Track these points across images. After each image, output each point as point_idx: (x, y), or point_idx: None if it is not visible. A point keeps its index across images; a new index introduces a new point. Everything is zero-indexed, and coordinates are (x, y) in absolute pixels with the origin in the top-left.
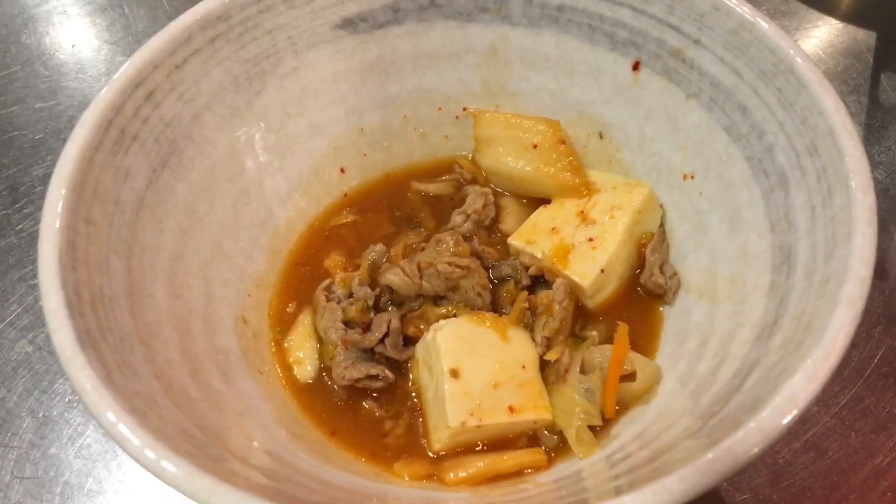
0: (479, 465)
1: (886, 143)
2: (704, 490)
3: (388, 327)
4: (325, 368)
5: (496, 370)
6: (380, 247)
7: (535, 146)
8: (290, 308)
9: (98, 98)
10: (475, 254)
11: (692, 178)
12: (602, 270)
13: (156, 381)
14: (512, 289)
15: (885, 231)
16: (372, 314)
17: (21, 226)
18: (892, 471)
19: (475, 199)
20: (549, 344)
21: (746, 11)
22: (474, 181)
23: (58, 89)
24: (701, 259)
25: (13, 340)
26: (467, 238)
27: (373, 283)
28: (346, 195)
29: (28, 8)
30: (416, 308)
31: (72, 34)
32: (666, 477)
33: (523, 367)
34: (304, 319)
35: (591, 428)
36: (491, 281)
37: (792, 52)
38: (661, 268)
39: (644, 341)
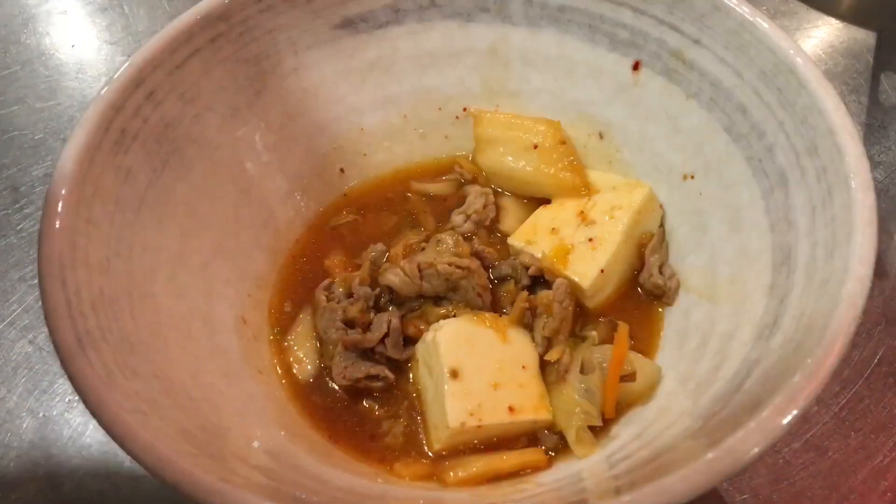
0: (479, 465)
1: (886, 143)
2: (704, 490)
3: (389, 327)
4: (325, 368)
5: (496, 370)
6: (380, 246)
7: (535, 146)
8: (287, 307)
9: (98, 98)
10: (475, 254)
11: (692, 178)
12: (602, 271)
13: (156, 381)
14: (512, 289)
15: (885, 231)
16: (372, 314)
17: (21, 226)
18: (892, 471)
19: (475, 198)
20: (549, 344)
21: (746, 11)
22: (474, 181)
23: (58, 89)
24: (701, 259)
25: (13, 340)
26: (467, 238)
27: (373, 282)
28: (345, 195)
29: (28, 8)
30: (416, 308)
31: (72, 34)
32: (666, 477)
33: (523, 367)
34: (305, 319)
35: (591, 428)
36: (491, 281)
37: (792, 52)
38: (660, 268)
39: (644, 341)
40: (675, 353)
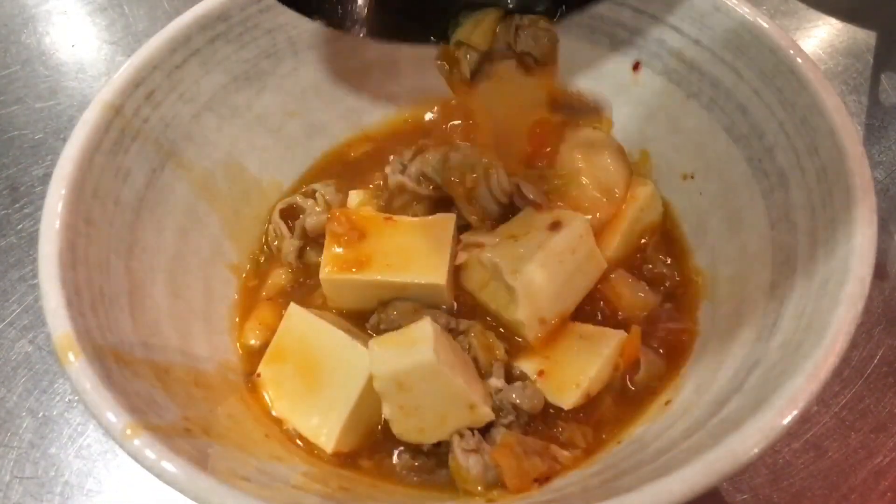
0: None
1: (886, 142)
2: (704, 490)
3: None
4: None
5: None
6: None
7: None
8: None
9: (98, 98)
10: None
11: (692, 178)
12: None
13: (156, 381)
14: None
15: (885, 231)
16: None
17: (21, 226)
18: (892, 471)
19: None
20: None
21: (746, 11)
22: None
23: (58, 89)
24: (701, 259)
25: (13, 340)
26: None
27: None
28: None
29: (28, 8)
30: None
31: (72, 34)
32: (666, 477)
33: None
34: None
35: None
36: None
37: (792, 52)
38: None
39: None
40: None
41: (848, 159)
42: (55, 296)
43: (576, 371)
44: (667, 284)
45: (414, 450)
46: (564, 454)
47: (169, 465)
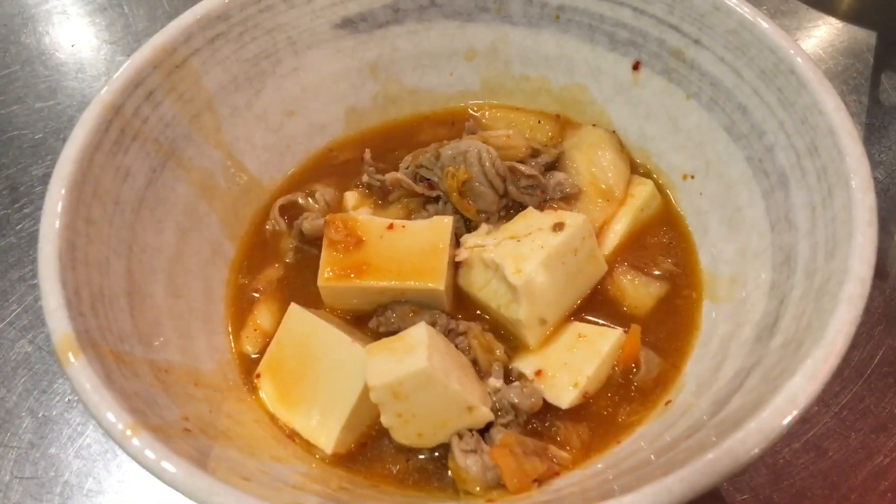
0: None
1: (887, 142)
2: (704, 490)
3: None
4: None
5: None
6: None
7: None
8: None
9: (98, 98)
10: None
11: (692, 178)
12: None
13: (156, 381)
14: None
15: (885, 231)
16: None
17: (21, 226)
18: (893, 471)
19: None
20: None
21: (746, 11)
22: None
23: (58, 89)
24: (701, 259)
25: (13, 340)
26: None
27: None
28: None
29: (28, 7)
30: None
31: (71, 34)
32: (666, 477)
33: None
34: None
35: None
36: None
37: (792, 51)
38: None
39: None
40: None
41: (848, 159)
42: (55, 296)
43: (573, 370)
44: (666, 284)
45: (414, 450)
46: (564, 454)
47: (169, 465)
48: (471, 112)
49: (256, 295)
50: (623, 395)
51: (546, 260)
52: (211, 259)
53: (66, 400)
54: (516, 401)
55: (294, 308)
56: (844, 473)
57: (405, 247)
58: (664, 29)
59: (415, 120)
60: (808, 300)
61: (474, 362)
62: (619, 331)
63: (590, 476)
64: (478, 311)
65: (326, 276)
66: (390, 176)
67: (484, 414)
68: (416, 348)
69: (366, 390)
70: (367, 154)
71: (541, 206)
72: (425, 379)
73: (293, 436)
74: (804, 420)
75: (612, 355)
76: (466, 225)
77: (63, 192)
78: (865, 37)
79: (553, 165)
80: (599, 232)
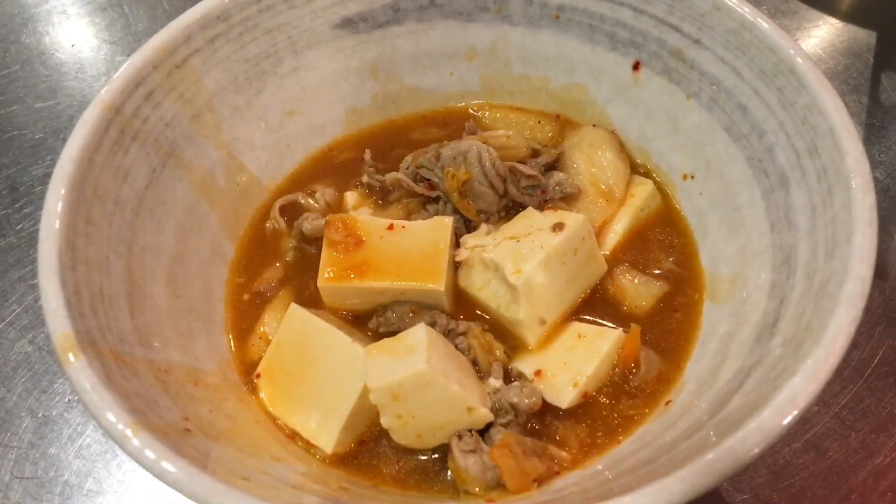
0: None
1: (887, 142)
2: (704, 490)
3: None
4: None
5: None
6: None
7: None
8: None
9: (98, 98)
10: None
11: (692, 178)
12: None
13: (156, 381)
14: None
15: (885, 231)
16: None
17: (21, 226)
18: (892, 471)
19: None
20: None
21: (746, 11)
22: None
23: (57, 89)
24: (701, 259)
25: (13, 340)
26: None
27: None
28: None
29: (28, 7)
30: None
31: (71, 34)
32: (666, 477)
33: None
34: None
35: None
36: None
37: (792, 51)
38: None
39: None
40: None
41: (848, 159)
42: (55, 296)
43: (573, 370)
44: (666, 284)
45: (414, 451)
46: (563, 454)
47: (169, 465)
48: (471, 112)
49: (259, 300)
50: (623, 395)
51: (546, 260)
52: (211, 259)
53: (66, 400)
54: (516, 401)
55: (294, 308)
56: (844, 473)
57: (405, 247)
58: (664, 29)
59: (415, 120)
60: (808, 300)
61: (474, 362)
62: (618, 331)
63: (590, 476)
64: (478, 311)
65: (326, 277)
66: (390, 176)
67: (483, 414)
68: (416, 350)
69: (366, 390)
70: (367, 154)
71: (541, 207)
72: (425, 380)
73: (293, 436)
74: (804, 420)
75: (612, 355)
76: (466, 225)
77: (63, 192)
78: (865, 37)
79: (553, 165)
80: (599, 232)
